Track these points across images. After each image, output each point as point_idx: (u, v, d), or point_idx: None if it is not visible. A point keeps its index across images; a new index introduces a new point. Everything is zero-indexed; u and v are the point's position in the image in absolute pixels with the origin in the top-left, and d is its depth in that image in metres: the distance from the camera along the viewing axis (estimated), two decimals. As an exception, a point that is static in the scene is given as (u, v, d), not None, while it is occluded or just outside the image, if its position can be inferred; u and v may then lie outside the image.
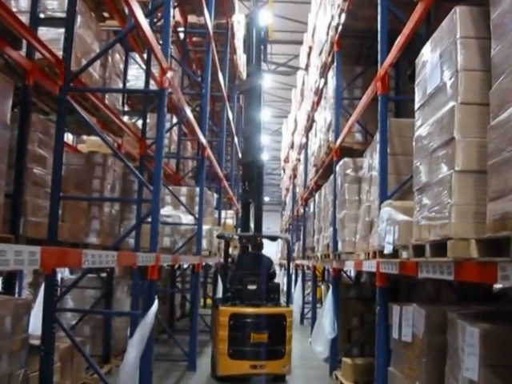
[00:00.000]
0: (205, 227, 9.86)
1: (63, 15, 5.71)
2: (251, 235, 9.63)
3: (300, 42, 18.57)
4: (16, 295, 6.66)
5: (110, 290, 8.41)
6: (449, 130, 3.51)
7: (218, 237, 10.17)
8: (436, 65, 3.90)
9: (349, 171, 7.62)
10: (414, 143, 4.41)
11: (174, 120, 12.02)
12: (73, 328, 7.79)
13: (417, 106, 4.42)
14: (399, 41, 5.26)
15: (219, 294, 10.01)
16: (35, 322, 5.38)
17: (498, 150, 2.88)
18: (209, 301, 15.50)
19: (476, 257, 3.11)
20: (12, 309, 4.51)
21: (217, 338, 8.08)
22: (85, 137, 10.62)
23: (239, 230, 15.72)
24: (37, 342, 5.17)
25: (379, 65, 6.01)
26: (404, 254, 4.51)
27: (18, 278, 9.07)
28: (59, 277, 8.81)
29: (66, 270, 12.20)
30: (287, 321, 8.20)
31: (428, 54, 4.16)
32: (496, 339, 3.45)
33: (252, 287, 8.50)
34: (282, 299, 9.30)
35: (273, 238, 10.98)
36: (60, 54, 5.54)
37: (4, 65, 5.40)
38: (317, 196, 11.54)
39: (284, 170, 29.31)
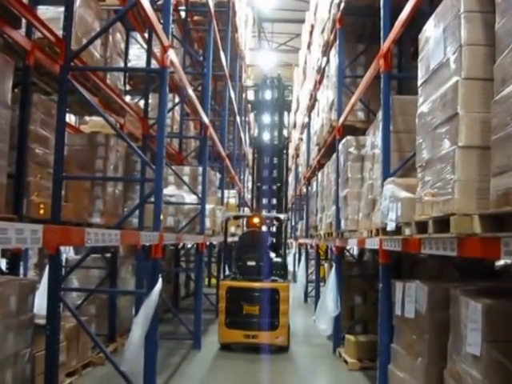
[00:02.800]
0: (208, 206, 9.89)
1: (63, -6, 5.66)
2: (252, 215, 10.58)
3: (302, 21, 18.43)
4: (21, 276, 6.71)
5: (115, 269, 8.45)
6: (452, 105, 3.49)
7: (235, 217, 11.43)
8: (439, 40, 3.87)
9: (351, 149, 7.60)
10: (416, 120, 4.39)
11: (176, 100, 11.98)
12: (78, 307, 7.86)
13: (420, 82, 4.39)
14: (402, 17, 5.20)
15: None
16: (41, 303, 5.42)
17: (502, 124, 2.86)
18: (213, 280, 15.59)
19: (479, 232, 3.11)
20: (17, 288, 4.55)
21: (218, 309, 8.94)
22: (87, 118, 10.60)
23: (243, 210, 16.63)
24: (42, 322, 5.21)
25: (382, 41, 5.96)
26: (407, 231, 4.52)
27: (23, 259, 9.17)
28: (64, 257, 8.86)
29: (71, 250, 12.26)
30: (280, 295, 8.81)
31: (431, 30, 4.12)
32: (499, 315, 3.46)
33: (251, 263, 9.27)
34: (290, 276, 9.67)
35: (275, 218, 11.51)
36: (60, 33, 5.51)
37: (4, 44, 5.36)
38: (319, 175, 11.54)
39: (287, 150, 29.20)
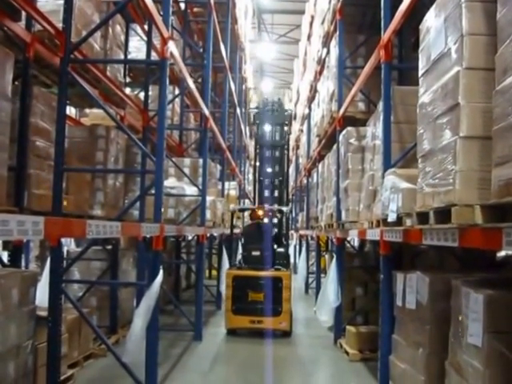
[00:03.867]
0: (208, 198, 9.90)
1: (62, -14, 5.64)
2: (256, 207, 11.18)
3: (302, 12, 18.37)
4: (23, 268, 6.71)
5: (116, 261, 8.47)
6: (453, 95, 3.48)
7: (240, 210, 12.66)
8: (440, 30, 3.85)
9: (352, 140, 7.59)
10: (417, 110, 4.38)
11: (177, 92, 11.96)
12: (80, 299, 7.88)
13: (421, 72, 4.37)
14: (402, 7, 5.18)
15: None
16: (42, 295, 5.42)
17: (504, 114, 2.86)
18: (214, 271, 15.62)
19: (480, 223, 3.11)
20: (19, 280, 4.55)
21: (225, 296, 9.55)
22: (87, 110, 10.60)
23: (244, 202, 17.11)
24: (44, 314, 5.22)
25: (382, 32, 5.94)
26: (408, 222, 4.52)
27: (24, 252, 9.19)
28: (65, 250, 8.87)
29: (72, 242, 12.30)
30: (283, 283, 9.32)
31: (432, 20, 4.10)
32: (500, 305, 3.47)
33: (256, 253, 9.89)
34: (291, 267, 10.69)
35: (278, 211, 11.76)
36: (60, 25, 5.50)
37: (3, 37, 5.36)
38: (320, 166, 11.53)
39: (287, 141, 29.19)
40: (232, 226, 11.30)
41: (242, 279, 9.46)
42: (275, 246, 10.48)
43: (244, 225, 13.84)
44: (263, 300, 9.24)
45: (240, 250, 11.55)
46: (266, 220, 11.75)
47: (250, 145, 25.28)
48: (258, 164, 13.14)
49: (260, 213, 11.09)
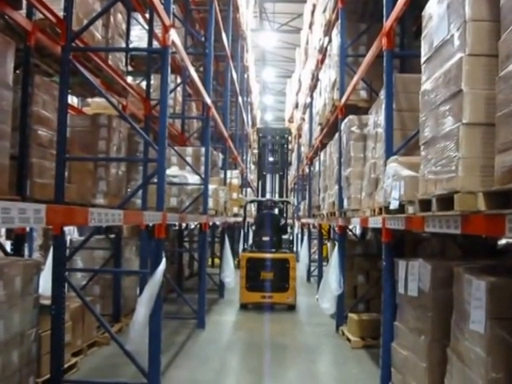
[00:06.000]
0: (211, 187, 9.90)
1: (63, -27, 5.62)
2: (266, 199, 13.07)
3: (304, 1, 18.27)
4: (26, 257, 6.74)
5: (119, 250, 8.48)
6: (456, 82, 3.46)
7: (252, 201, 14.78)
8: (443, 16, 3.83)
9: (354, 128, 7.58)
10: (420, 97, 4.36)
11: (178, 81, 11.93)
12: (83, 288, 7.91)
13: (423, 59, 4.35)
14: (405, -7, 5.16)
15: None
16: (46, 284, 5.45)
17: (507, 101, 2.84)
18: (216, 260, 15.69)
19: (483, 210, 3.11)
20: (22, 269, 4.57)
21: (240, 275, 10.94)
22: (89, 100, 10.58)
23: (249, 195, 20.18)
24: (48, 302, 5.25)
25: (384, 19, 5.91)
26: (410, 210, 4.52)
27: (27, 241, 9.21)
28: (68, 239, 8.90)
29: (75, 231, 12.33)
30: (290, 264, 10.85)
31: (435, 6, 4.08)
32: (502, 292, 3.47)
33: (266, 238, 11.60)
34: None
35: (282, 202, 13.40)
36: (61, 14, 5.49)
37: (4, 25, 5.34)
38: (322, 155, 11.53)
39: (289, 130, 29.16)
40: (245, 216, 13.03)
41: (254, 261, 10.95)
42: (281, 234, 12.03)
43: (248, 214, 15.16)
44: (273, 278, 10.73)
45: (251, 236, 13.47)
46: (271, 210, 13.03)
47: (252, 133, 25.26)
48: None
49: (269, 204, 12.67)
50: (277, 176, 14.37)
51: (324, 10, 10.83)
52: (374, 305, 8.19)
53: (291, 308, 10.88)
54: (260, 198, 13.47)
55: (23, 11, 5.40)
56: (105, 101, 6.45)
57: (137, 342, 5.26)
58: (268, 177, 14.37)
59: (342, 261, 8.48)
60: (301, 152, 19.56)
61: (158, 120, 5.95)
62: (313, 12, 14.00)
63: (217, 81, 15.99)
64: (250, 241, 13.24)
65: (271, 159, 13.98)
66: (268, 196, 14.41)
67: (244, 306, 11.00)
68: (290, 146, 15.91)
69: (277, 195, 14.41)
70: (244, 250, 12.23)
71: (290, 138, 14.63)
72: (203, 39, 12.67)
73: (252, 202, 15.06)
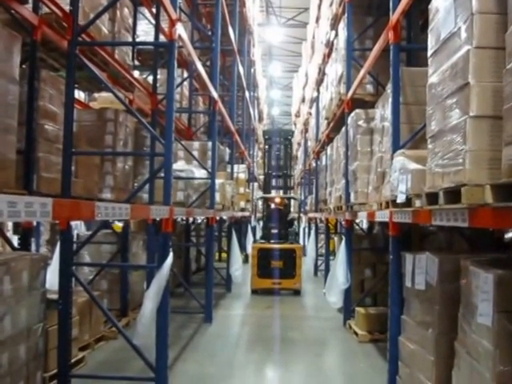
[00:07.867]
0: (218, 181, 9.90)
1: (69, -32, 5.61)
2: (275, 196, 14.25)
3: (310, -6, 18.19)
4: (33, 252, 6.75)
5: (126, 244, 8.49)
6: (463, 75, 3.45)
7: (261, 198, 15.43)
8: (450, 9, 3.80)
9: (361, 122, 7.56)
10: (426, 91, 4.34)
11: (185, 75, 11.92)
12: (90, 282, 7.94)
13: (430, 52, 4.33)
14: (412, -13, 5.13)
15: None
16: (53, 278, 5.46)
17: (514, 93, 2.83)
18: (223, 254, 15.74)
19: (491, 202, 3.09)
20: (29, 263, 4.57)
21: (252, 264, 12.23)
22: (96, 94, 10.59)
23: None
24: (55, 297, 5.26)
25: (391, 13, 5.88)
26: (417, 203, 4.50)
27: (34, 236, 9.24)
28: (75, 233, 8.92)
29: (82, 226, 12.37)
30: (297, 253, 12.17)
31: (442, -1, 4.06)
32: (510, 285, 3.46)
33: (275, 231, 13.04)
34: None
35: (289, 198, 14.82)
36: (67, 8, 5.48)
37: (11, 20, 5.34)
38: (329, 149, 11.51)
39: (295, 125, 29.16)
40: (256, 211, 15.60)
41: (264, 250, 12.20)
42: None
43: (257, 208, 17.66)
44: (282, 266, 11.97)
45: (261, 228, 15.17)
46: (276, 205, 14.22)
47: (259, 128, 25.22)
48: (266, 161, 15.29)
49: (277, 200, 13.78)
50: (281, 174, 15.19)
51: (330, 4, 10.80)
52: (381, 299, 8.20)
53: (297, 293, 12.12)
54: (269, 195, 14.42)
55: (29, 5, 5.40)
56: (111, 95, 6.45)
57: (144, 336, 5.27)
58: (273, 174, 15.41)
59: (349, 255, 8.48)
60: (307, 146, 19.53)
61: (164, 114, 5.94)
62: (319, 6, 13.95)
63: (223, 75, 15.97)
64: (257, 234, 14.61)
65: (276, 159, 15.48)
66: (273, 192, 15.55)
67: (255, 292, 12.16)
68: (292, 147, 16.91)
69: (281, 191, 15.30)
70: (255, 241, 14.07)
71: (292, 139, 15.53)
72: (210, 33, 12.66)
73: (261, 198, 15.67)
